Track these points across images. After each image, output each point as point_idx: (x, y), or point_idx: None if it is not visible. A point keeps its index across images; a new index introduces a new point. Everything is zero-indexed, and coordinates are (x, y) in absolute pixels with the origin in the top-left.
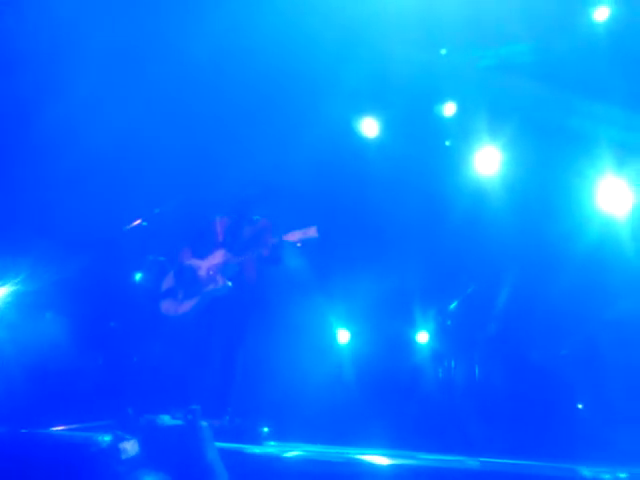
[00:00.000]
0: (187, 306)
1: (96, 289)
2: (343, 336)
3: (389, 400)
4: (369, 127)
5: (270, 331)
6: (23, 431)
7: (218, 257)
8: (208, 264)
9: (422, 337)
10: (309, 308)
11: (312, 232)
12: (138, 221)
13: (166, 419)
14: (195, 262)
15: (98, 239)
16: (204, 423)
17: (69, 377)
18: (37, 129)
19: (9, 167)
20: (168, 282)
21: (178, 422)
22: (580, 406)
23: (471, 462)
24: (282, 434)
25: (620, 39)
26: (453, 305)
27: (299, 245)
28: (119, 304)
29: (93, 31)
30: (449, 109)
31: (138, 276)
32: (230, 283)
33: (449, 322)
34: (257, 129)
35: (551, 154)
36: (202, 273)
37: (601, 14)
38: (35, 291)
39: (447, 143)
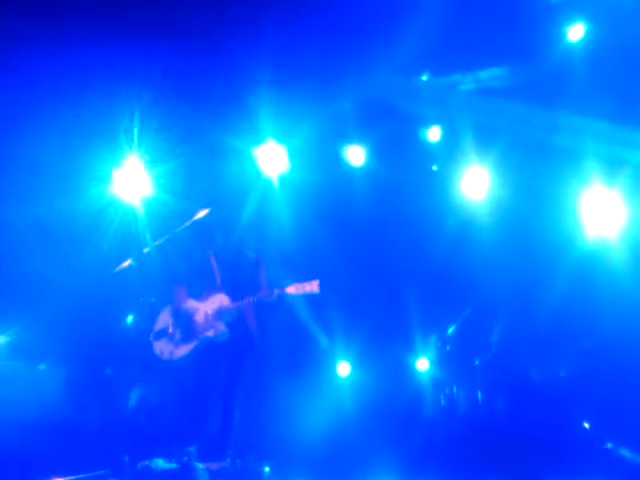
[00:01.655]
0: (185, 349)
1: (89, 336)
2: (343, 369)
3: (392, 433)
4: (355, 156)
5: (269, 369)
6: None
7: (217, 301)
8: (207, 308)
9: (422, 364)
10: (307, 343)
11: (314, 287)
12: (128, 262)
13: (160, 463)
14: (194, 305)
15: (88, 285)
16: (200, 465)
17: (64, 428)
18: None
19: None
20: (166, 325)
21: (173, 465)
22: (586, 425)
23: None
24: (284, 474)
25: (596, 55)
26: (451, 330)
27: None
28: (113, 350)
29: None
30: (434, 134)
31: (130, 319)
32: (227, 329)
33: (448, 347)
34: None
35: (538, 173)
36: (200, 317)
37: (576, 33)
38: (28, 343)
39: (434, 168)
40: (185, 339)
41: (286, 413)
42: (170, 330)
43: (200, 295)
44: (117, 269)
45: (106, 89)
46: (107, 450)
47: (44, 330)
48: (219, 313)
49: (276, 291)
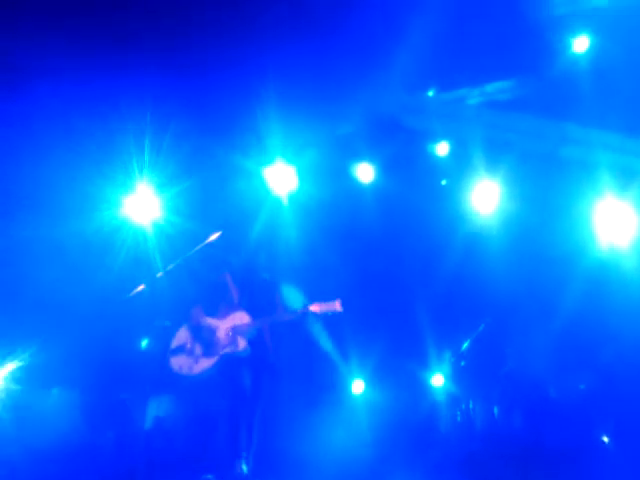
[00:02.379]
0: (206, 363)
1: (103, 360)
2: (358, 387)
3: (408, 450)
4: (364, 173)
5: (284, 387)
6: None
7: (237, 318)
8: (227, 324)
9: (437, 380)
10: (321, 360)
11: (337, 306)
12: (141, 287)
13: None
14: (213, 322)
15: (103, 308)
16: None
17: (79, 452)
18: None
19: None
20: (184, 341)
21: None
22: (606, 439)
23: None
24: None
25: (604, 66)
26: (465, 345)
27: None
28: (127, 374)
29: None
30: (442, 149)
31: (145, 343)
32: (248, 345)
33: (463, 363)
34: None
35: (548, 185)
36: (222, 333)
37: (581, 44)
38: (42, 366)
39: (443, 182)
40: (206, 354)
41: (301, 431)
42: (189, 345)
43: (217, 314)
44: (131, 293)
45: (116, 115)
46: (122, 474)
47: (58, 354)
48: (239, 330)
49: (299, 310)
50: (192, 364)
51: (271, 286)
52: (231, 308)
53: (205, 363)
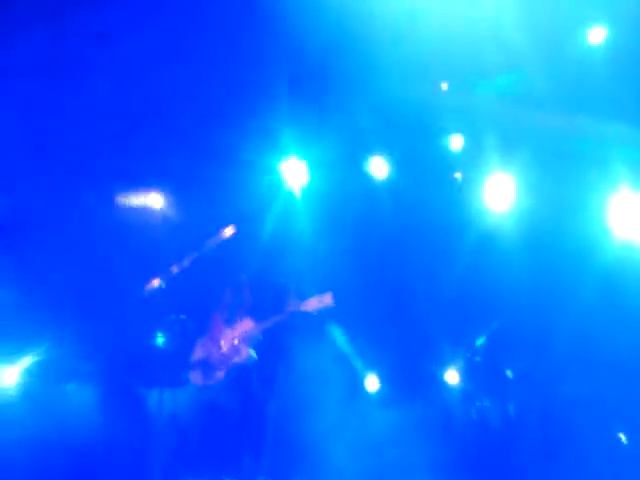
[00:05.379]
0: (217, 376)
1: (119, 355)
2: (372, 384)
3: (424, 447)
4: (378, 168)
5: (297, 386)
6: None
7: (243, 326)
8: (234, 334)
9: (452, 377)
10: (336, 358)
11: (328, 299)
12: (157, 281)
13: None
14: (224, 332)
15: (118, 303)
16: None
17: (94, 447)
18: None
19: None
20: (201, 354)
21: None
22: (623, 438)
23: None
24: None
25: (618, 58)
26: (480, 341)
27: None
28: (143, 368)
29: None
30: (456, 142)
31: (160, 338)
32: (254, 354)
33: (478, 359)
34: None
35: (563, 179)
36: (228, 344)
37: (597, 35)
38: (57, 361)
39: (457, 176)
40: (216, 366)
41: (315, 429)
42: (202, 358)
43: (231, 320)
44: (147, 288)
45: None
46: (137, 470)
47: (73, 349)
48: (245, 338)
49: (290, 308)
50: (205, 377)
51: (285, 291)
52: (243, 314)
53: (216, 376)
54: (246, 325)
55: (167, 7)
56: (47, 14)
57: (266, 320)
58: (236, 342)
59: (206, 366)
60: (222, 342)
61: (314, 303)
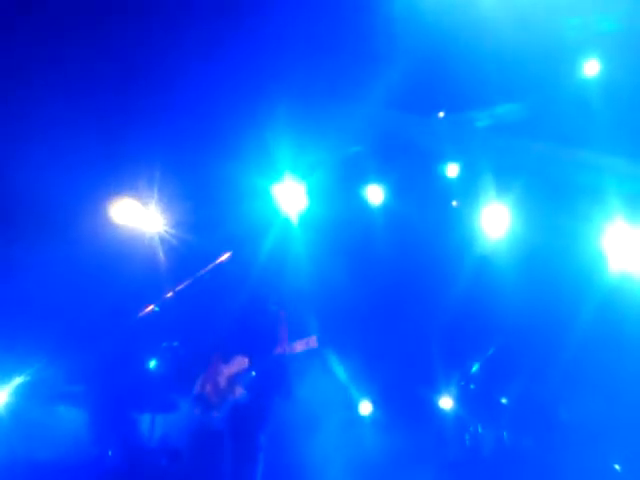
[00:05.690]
0: (215, 414)
1: (111, 378)
2: (365, 408)
3: (416, 473)
4: (374, 194)
5: (292, 411)
6: None
7: (237, 364)
8: (229, 372)
9: (446, 403)
10: (329, 381)
11: (312, 342)
12: (151, 307)
13: None
14: (220, 370)
15: (112, 327)
16: None
17: (84, 469)
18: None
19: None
20: (200, 391)
21: None
22: (617, 467)
23: None
24: None
25: (613, 90)
26: (475, 368)
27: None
28: (135, 392)
29: None
30: (452, 170)
31: (152, 363)
32: (245, 392)
33: (472, 386)
34: None
35: (558, 210)
36: (223, 382)
37: (591, 68)
38: (49, 381)
39: (454, 204)
40: (214, 405)
41: (309, 453)
42: (201, 395)
43: (228, 359)
44: (140, 314)
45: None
46: None
47: (64, 370)
48: (238, 376)
49: (281, 349)
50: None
51: (277, 320)
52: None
53: (214, 414)
54: (239, 364)
55: None
56: None
57: (257, 360)
58: (228, 381)
59: (202, 401)
60: (218, 380)
61: (300, 346)
